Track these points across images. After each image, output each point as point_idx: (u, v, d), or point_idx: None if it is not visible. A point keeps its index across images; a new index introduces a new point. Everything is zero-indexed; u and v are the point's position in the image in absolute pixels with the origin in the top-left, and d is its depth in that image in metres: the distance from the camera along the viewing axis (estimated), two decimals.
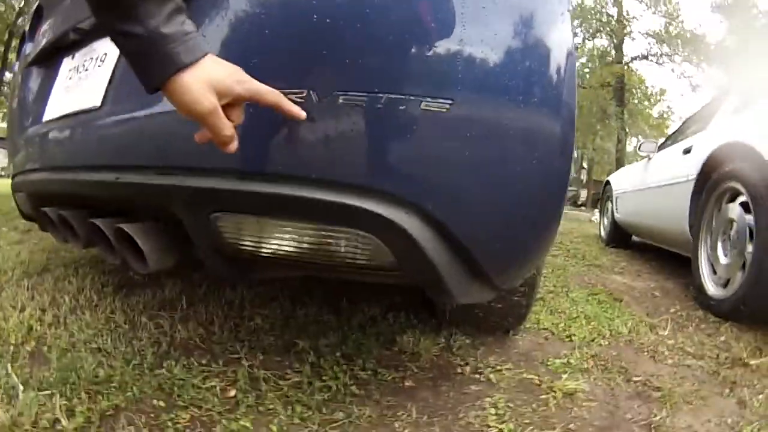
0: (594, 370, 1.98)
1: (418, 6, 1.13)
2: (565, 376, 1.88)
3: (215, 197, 1.25)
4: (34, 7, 2.39)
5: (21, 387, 1.48)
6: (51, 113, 1.87)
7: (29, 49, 2.31)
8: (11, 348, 1.78)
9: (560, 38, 1.27)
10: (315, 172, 1.12)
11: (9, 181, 2.41)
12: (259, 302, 2.40)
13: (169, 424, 1.41)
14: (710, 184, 3.31)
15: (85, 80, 1.71)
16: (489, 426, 1.51)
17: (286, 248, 1.32)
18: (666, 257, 5.05)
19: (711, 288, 3.15)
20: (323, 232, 1.25)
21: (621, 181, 6.62)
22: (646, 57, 30.05)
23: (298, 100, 1.08)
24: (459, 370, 1.89)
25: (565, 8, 1.30)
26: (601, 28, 29.77)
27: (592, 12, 29.43)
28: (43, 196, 2.04)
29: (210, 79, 0.98)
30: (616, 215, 6.43)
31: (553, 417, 1.60)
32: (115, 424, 1.38)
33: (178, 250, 1.59)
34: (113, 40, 0.96)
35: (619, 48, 30.23)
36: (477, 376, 1.85)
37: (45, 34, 2.11)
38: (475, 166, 1.17)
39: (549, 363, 2.01)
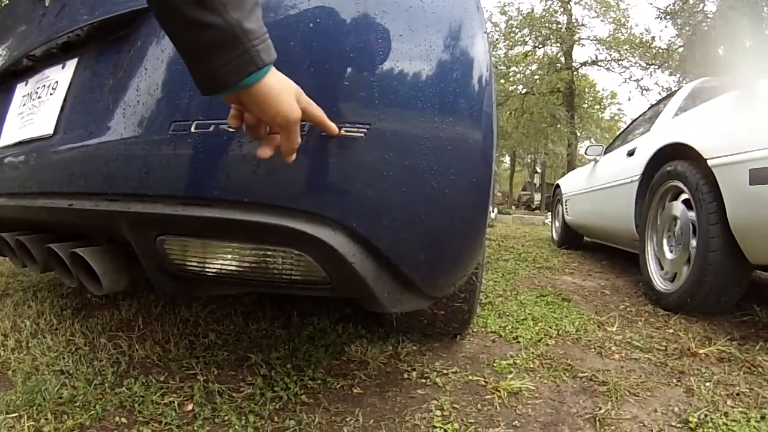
0: (540, 369, 2.04)
1: (334, 39, 1.20)
2: (510, 376, 1.94)
3: (160, 221, 1.29)
4: None
5: None
6: (6, 139, 1.89)
7: None
8: None
9: (476, 59, 1.34)
10: (247, 196, 1.18)
11: None
12: (212, 319, 2.43)
13: None
14: (653, 183, 3.42)
15: (38, 107, 1.74)
16: (435, 427, 1.57)
17: (229, 267, 1.37)
18: (617, 256, 5.15)
19: (659, 283, 3.26)
20: (261, 252, 1.31)
21: (570, 184, 6.77)
22: (595, 62, 30.25)
23: (231, 129, 1.15)
24: (406, 376, 1.94)
25: (481, 30, 1.37)
26: (551, 36, 29.85)
27: (542, 20, 29.50)
28: (1, 222, 2.04)
29: (291, 85, 0.97)
30: (567, 217, 6.58)
31: (498, 415, 1.66)
32: None
33: (130, 271, 1.63)
34: (175, 31, 0.88)
35: (568, 54, 30.37)
36: (423, 380, 1.90)
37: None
38: (395, 183, 1.23)
39: (495, 364, 2.06)
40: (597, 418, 1.65)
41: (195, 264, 1.40)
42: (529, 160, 46.50)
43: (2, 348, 2.07)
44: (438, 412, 1.66)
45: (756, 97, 2.60)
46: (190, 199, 1.22)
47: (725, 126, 2.77)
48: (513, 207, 32.45)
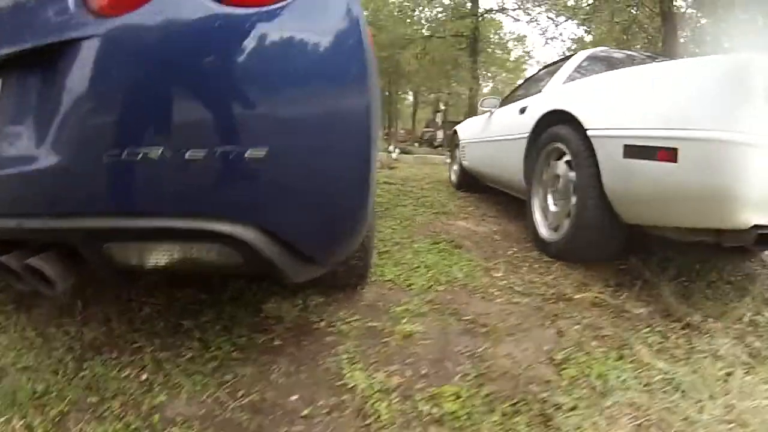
0: (430, 314, 2.34)
1: (230, 90, 1.47)
2: (404, 320, 2.24)
3: (105, 232, 1.53)
4: None
5: None
6: None
7: None
8: None
9: (352, 42, 1.64)
10: (176, 207, 1.46)
11: None
12: (143, 292, 2.59)
13: (107, 414, 1.68)
14: (540, 142, 3.70)
15: None
16: (343, 368, 1.89)
17: (164, 261, 1.64)
18: (511, 201, 5.36)
19: (544, 232, 3.57)
20: (189, 247, 1.60)
21: (467, 131, 7.02)
22: (501, 10, 30.04)
23: (154, 157, 1.40)
24: (316, 326, 2.22)
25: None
26: None
27: None
28: None
29: None
30: (464, 162, 6.83)
31: (394, 355, 1.98)
32: (68, 425, 1.64)
33: (76, 270, 1.79)
34: None
35: (474, 1, 30.20)
36: (331, 329, 2.19)
37: None
38: (290, 187, 1.54)
39: (391, 311, 2.35)
40: (476, 355, 1.96)
41: (136, 262, 1.65)
42: (432, 98, 46.17)
43: None
44: (345, 356, 1.97)
45: (635, 78, 2.93)
46: (129, 213, 1.47)
47: (606, 101, 3.04)
48: (416, 144, 32.07)
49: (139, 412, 1.70)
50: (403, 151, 18.64)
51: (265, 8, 1.50)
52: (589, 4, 23.43)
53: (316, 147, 1.56)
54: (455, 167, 7.70)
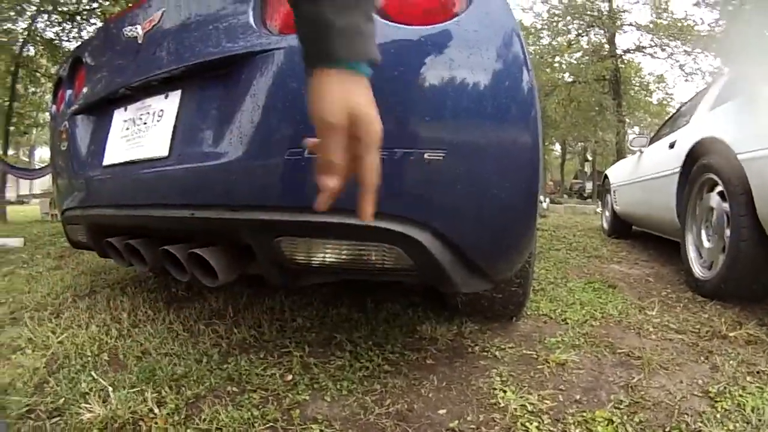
0: (584, 345, 2.27)
1: (416, 95, 1.50)
2: (558, 350, 2.18)
3: (279, 226, 1.59)
4: (71, 58, 2.66)
5: (110, 388, 1.76)
6: (112, 159, 2.12)
7: (70, 98, 2.57)
8: (89, 359, 2.07)
9: (523, 79, 1.64)
10: (354, 204, 1.47)
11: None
12: (297, 307, 2.72)
13: (245, 402, 1.72)
14: (692, 175, 3.56)
15: (145, 132, 1.98)
16: (495, 389, 1.84)
17: (331, 259, 1.67)
18: (664, 245, 5.23)
19: (698, 270, 3.40)
20: (359, 246, 1.62)
21: (617, 174, 6.83)
22: (639, 49, 29.56)
23: None
24: (470, 350, 2.20)
25: (521, 48, 1.67)
26: (593, 24, 29.28)
27: (584, 8, 28.88)
28: (107, 228, 2.29)
29: (348, 93, 0.87)
30: (615, 207, 6.65)
31: (547, 381, 1.92)
32: (202, 406, 1.69)
33: (240, 266, 1.91)
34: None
35: (611, 42, 29.72)
36: (485, 353, 2.17)
37: (92, 87, 2.36)
38: (465, 193, 1.54)
39: (545, 341, 2.30)
40: (630, 386, 1.87)
41: (303, 258, 1.69)
42: (579, 148, 45.62)
43: (107, 336, 2.32)
44: (498, 378, 1.92)
45: None
46: (305, 207, 1.49)
47: (753, 122, 2.89)
48: (565, 196, 31.71)
49: (280, 405, 1.74)
50: (553, 202, 18.57)
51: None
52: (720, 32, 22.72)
53: (493, 159, 1.58)
54: (606, 213, 7.56)
